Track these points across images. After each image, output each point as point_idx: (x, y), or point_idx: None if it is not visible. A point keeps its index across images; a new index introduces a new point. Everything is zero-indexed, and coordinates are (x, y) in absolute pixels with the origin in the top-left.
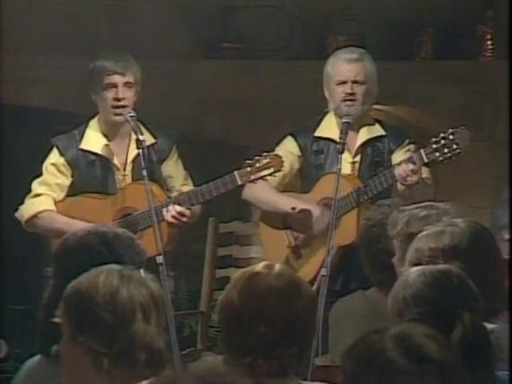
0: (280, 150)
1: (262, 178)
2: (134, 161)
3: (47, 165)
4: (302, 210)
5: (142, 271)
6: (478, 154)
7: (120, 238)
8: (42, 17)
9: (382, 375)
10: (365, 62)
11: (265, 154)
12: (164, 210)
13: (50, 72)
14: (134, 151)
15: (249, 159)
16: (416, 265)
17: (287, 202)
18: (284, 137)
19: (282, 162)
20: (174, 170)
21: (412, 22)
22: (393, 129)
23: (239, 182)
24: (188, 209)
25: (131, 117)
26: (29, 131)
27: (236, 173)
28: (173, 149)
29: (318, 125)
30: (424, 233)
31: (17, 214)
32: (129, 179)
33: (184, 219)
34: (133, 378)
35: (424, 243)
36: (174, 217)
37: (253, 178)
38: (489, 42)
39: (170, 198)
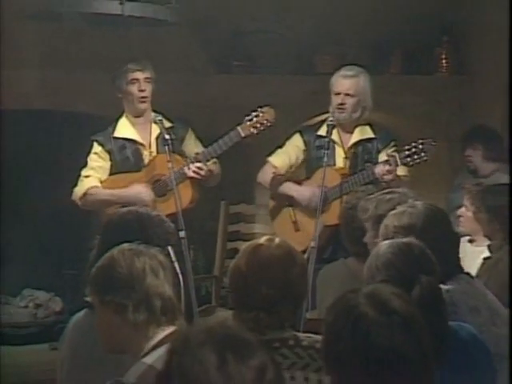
0: (289, 144)
1: (261, 130)
2: (156, 139)
3: (91, 155)
4: (279, 175)
5: (169, 248)
6: (436, 150)
7: (152, 219)
8: (91, 42)
9: (356, 325)
10: (359, 79)
11: (259, 109)
12: (185, 168)
13: (91, 84)
14: (155, 132)
15: (247, 115)
16: (385, 238)
17: (285, 184)
18: (293, 133)
19: (273, 113)
20: (193, 148)
21: (383, 45)
22: (381, 132)
23: (243, 135)
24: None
25: (159, 120)
26: (75, 132)
27: (239, 127)
28: (189, 131)
29: (321, 126)
30: (391, 212)
31: (73, 196)
32: (154, 155)
33: (202, 172)
34: (152, 323)
35: (390, 221)
36: (194, 172)
37: (252, 130)
38: (444, 61)
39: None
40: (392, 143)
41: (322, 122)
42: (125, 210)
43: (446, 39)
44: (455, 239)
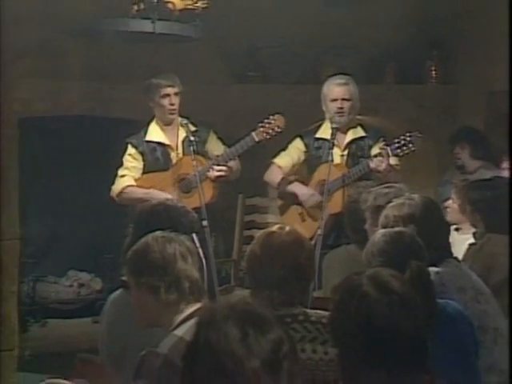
0: (291, 147)
1: (272, 136)
2: (183, 142)
3: (126, 156)
4: (284, 178)
5: (194, 235)
6: (425, 149)
7: (179, 210)
8: (126, 56)
9: (359, 303)
10: (350, 86)
11: (271, 116)
12: (208, 171)
13: (126, 93)
14: (181, 135)
15: (260, 122)
16: (385, 227)
17: (281, 180)
18: (294, 137)
19: (283, 120)
20: (215, 147)
21: (380, 58)
22: (371, 131)
23: (256, 139)
24: (224, 165)
25: (185, 123)
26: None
27: (253, 133)
28: (210, 133)
29: (317, 129)
30: (391, 204)
31: (111, 193)
32: (180, 156)
33: (223, 173)
34: (181, 302)
35: (390, 211)
36: (216, 176)
37: (265, 135)
38: (433, 72)
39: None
40: (381, 139)
41: (319, 126)
42: (155, 202)
43: (435, 53)
44: (446, 227)
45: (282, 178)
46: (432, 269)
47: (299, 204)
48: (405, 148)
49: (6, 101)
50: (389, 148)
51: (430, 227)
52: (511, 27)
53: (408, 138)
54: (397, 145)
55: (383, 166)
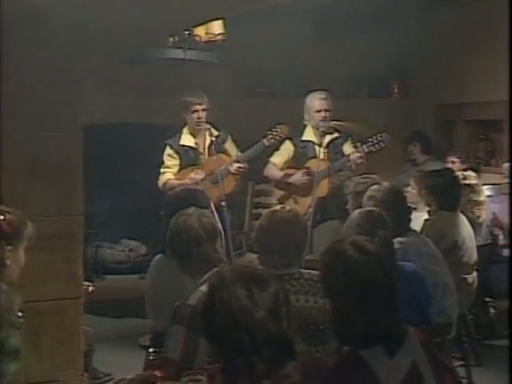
0: (283, 148)
1: (279, 141)
2: (209, 147)
3: (165, 155)
4: (287, 174)
5: (213, 207)
6: (391, 149)
7: (199, 193)
8: (163, 77)
9: (344, 264)
10: (328, 99)
11: (277, 126)
12: (229, 166)
13: (164, 105)
14: (207, 141)
15: (269, 130)
16: (370, 205)
17: (283, 175)
18: (284, 140)
19: (287, 129)
20: (230, 147)
21: (356, 78)
22: (343, 133)
23: (267, 144)
24: (242, 163)
25: (208, 128)
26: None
27: (264, 139)
28: (228, 136)
29: (302, 133)
30: (371, 188)
31: (159, 185)
32: (207, 157)
33: (241, 170)
34: (206, 271)
35: (370, 194)
36: (236, 170)
37: (273, 141)
38: (396, 89)
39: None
40: (349, 138)
41: (303, 130)
42: (179, 188)
43: (397, 75)
44: (408, 208)
45: (284, 174)
46: (398, 239)
47: (292, 189)
48: (377, 145)
49: (75, 112)
50: (364, 146)
51: (396, 206)
52: (511, 28)
53: (379, 138)
54: (370, 143)
55: (361, 160)
